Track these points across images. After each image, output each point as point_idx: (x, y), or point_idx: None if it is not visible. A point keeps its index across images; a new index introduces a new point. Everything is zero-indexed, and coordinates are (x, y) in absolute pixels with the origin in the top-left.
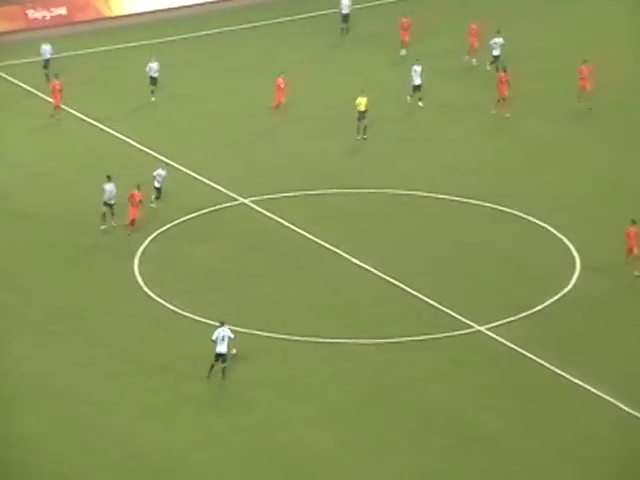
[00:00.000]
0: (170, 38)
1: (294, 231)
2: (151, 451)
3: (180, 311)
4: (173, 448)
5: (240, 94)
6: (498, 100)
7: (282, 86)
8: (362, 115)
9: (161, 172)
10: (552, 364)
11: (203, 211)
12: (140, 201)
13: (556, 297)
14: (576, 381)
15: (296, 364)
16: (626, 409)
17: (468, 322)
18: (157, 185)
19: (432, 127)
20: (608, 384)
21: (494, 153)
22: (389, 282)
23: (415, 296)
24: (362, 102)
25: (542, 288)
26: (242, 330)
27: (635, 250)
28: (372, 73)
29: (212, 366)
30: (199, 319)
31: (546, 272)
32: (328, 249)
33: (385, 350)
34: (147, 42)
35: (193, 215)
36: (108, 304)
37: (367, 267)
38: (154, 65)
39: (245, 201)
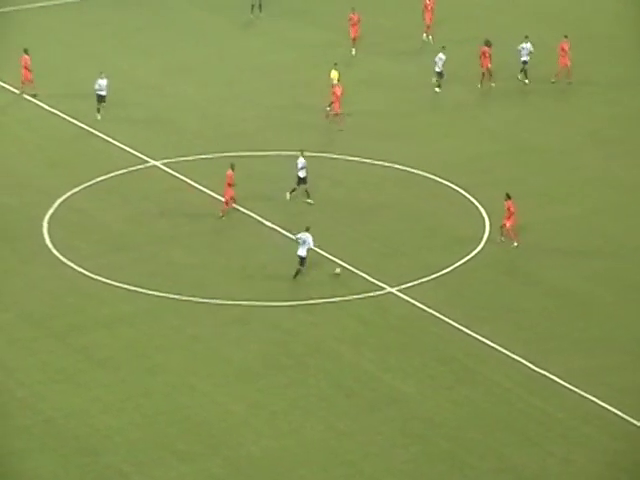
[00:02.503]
0: None
1: (205, 193)
2: (61, 415)
3: (89, 274)
4: (83, 412)
5: (154, 57)
6: (483, 73)
7: (338, 94)
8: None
9: (301, 160)
10: (461, 324)
11: (113, 173)
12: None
13: (466, 258)
14: (484, 341)
15: (205, 327)
16: (533, 367)
17: (379, 284)
18: (301, 175)
19: (366, 102)
20: (516, 344)
21: (416, 122)
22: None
23: (326, 258)
24: (334, 76)
25: (452, 249)
26: (150, 292)
27: (508, 222)
28: (281, 36)
29: (298, 269)
30: (108, 282)
31: (456, 233)
32: (239, 211)
33: (296, 312)
34: (61, 2)
35: (103, 178)
36: (15, 267)
37: (278, 229)
38: (103, 82)
39: (156, 163)
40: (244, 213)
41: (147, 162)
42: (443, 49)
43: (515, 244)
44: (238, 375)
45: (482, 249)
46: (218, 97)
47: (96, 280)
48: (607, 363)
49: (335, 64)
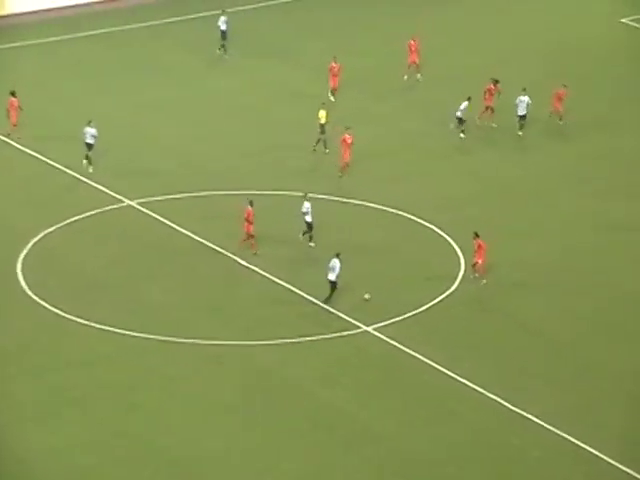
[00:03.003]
0: (55, 38)
1: (180, 232)
2: (34, 455)
3: (64, 314)
4: (55, 453)
5: (127, 94)
6: (486, 109)
7: (349, 142)
8: (322, 128)
9: (307, 205)
10: (438, 362)
11: (88, 213)
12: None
13: (442, 296)
14: (461, 379)
15: (180, 366)
16: (508, 405)
17: (355, 322)
18: (308, 220)
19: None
20: (492, 381)
21: (386, 158)
22: (276, 283)
23: (302, 297)
24: (322, 115)
25: (428, 287)
26: (126, 332)
27: (479, 260)
28: (253, 74)
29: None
30: (84, 322)
31: (432, 272)
32: (215, 250)
33: (272, 351)
34: (33, 42)
35: (78, 217)
36: None
37: (254, 269)
38: (91, 130)
39: (131, 203)
40: (219, 252)
41: (122, 202)
42: (469, 99)
43: (484, 281)
44: (214, 414)
45: (457, 287)
46: (193, 136)
47: (71, 320)
48: (582, 400)
49: (323, 103)
